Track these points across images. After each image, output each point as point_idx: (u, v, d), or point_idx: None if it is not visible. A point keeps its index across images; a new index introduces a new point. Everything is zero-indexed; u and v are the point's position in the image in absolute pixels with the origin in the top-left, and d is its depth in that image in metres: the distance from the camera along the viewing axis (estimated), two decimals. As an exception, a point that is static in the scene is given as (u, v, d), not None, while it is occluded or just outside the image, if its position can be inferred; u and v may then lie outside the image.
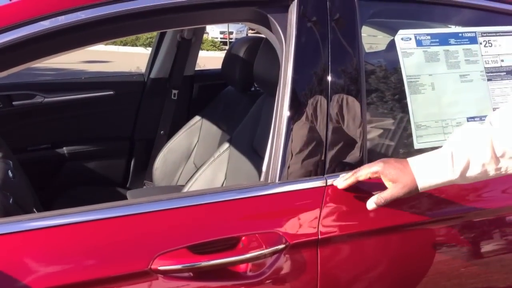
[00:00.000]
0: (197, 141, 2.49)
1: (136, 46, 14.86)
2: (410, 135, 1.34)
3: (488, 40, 1.43)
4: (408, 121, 1.34)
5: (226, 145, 1.99)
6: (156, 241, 1.09)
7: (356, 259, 1.24)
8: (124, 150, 2.70)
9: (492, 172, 1.12)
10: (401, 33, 1.36)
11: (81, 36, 1.17)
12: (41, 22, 1.09)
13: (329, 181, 1.23)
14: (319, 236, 1.18)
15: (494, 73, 1.42)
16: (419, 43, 1.37)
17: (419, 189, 1.13)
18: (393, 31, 1.40)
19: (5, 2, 1.14)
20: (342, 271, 1.23)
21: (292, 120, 1.24)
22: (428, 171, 1.12)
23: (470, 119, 1.38)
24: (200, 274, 1.11)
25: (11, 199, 1.33)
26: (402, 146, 1.43)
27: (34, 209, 1.56)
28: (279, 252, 1.15)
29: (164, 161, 2.50)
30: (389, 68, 1.47)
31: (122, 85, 2.75)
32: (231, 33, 16.53)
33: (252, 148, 1.91)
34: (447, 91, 1.38)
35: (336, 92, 1.27)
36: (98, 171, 2.60)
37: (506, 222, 1.42)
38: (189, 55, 2.73)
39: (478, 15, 1.52)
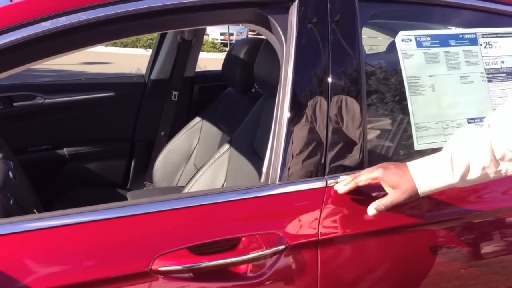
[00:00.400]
0: (198, 142, 2.49)
1: (137, 47, 14.89)
2: (410, 136, 1.34)
3: (489, 42, 1.43)
4: (409, 122, 1.34)
5: (227, 146, 1.99)
6: (156, 242, 1.09)
7: (356, 260, 1.24)
8: (124, 151, 2.70)
9: (492, 174, 1.12)
10: (402, 34, 1.36)
11: (81, 37, 1.17)
12: (42, 23, 1.09)
13: (330, 182, 1.23)
14: (319, 237, 1.18)
15: (494, 75, 1.42)
16: (419, 44, 1.37)
17: (420, 194, 1.13)
18: (393, 32, 1.40)
19: (5, 3, 1.14)
20: (342, 272, 1.23)
21: (292, 121, 1.24)
22: (428, 176, 1.12)
23: (471, 120, 1.38)
24: (200, 274, 1.11)
25: (12, 200, 1.33)
26: (403, 148, 1.43)
27: (35, 210, 1.56)
28: (279, 253, 1.15)
29: (164, 162, 2.50)
30: (389, 69, 1.47)
31: (123, 86, 2.75)
32: (231, 34, 16.55)
33: (252, 149, 1.91)
34: (448, 92, 1.38)
35: (336, 93, 1.27)
36: (99, 172, 2.60)
37: (506, 224, 1.42)
38: (189, 57, 2.73)
39: (478, 17, 1.52)
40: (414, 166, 1.14)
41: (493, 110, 1.38)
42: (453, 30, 1.51)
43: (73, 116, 2.58)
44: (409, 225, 1.27)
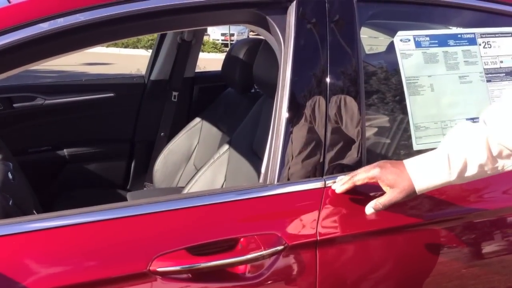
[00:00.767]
0: (197, 142, 2.49)
1: (138, 48, 14.90)
2: (409, 136, 1.34)
3: (487, 41, 1.43)
4: (407, 122, 1.34)
5: (226, 146, 1.99)
6: (155, 243, 1.09)
7: (355, 260, 1.24)
8: (124, 152, 2.70)
9: (489, 171, 1.12)
10: (400, 34, 1.36)
11: (80, 38, 1.17)
12: (40, 24, 1.10)
13: (328, 183, 1.23)
14: (318, 238, 1.18)
15: (493, 74, 1.42)
16: (418, 44, 1.37)
17: (417, 192, 1.13)
18: (392, 32, 1.40)
19: (4, 4, 1.14)
20: (341, 272, 1.23)
21: (291, 121, 1.24)
22: (425, 174, 1.12)
23: (469, 120, 1.38)
24: (199, 275, 1.11)
25: (11, 201, 1.33)
26: (401, 147, 1.43)
27: (34, 211, 1.56)
28: (277, 253, 1.15)
29: (164, 163, 2.50)
30: (388, 69, 1.47)
31: (123, 87, 2.76)
32: (232, 35, 16.53)
33: (251, 149, 1.91)
34: (446, 92, 1.38)
35: (334, 94, 1.27)
36: (99, 173, 2.60)
37: (507, 223, 1.42)
38: (189, 57, 2.73)
39: (477, 17, 1.52)
40: (411, 164, 1.14)
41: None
42: (452, 30, 1.50)
43: (73, 117, 2.58)
44: (409, 225, 1.27)
